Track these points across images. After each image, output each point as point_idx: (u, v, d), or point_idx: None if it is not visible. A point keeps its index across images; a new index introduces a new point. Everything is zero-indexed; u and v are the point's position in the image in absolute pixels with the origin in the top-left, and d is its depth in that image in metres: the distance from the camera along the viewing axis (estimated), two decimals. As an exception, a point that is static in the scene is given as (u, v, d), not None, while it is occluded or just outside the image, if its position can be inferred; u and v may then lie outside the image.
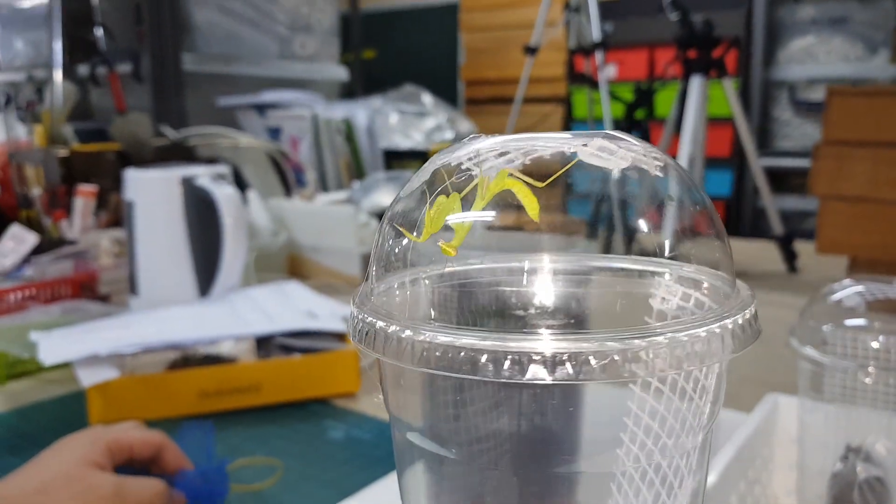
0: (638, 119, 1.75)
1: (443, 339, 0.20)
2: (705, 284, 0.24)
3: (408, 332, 0.21)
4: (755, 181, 1.39)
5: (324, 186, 1.55)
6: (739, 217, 2.72)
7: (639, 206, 0.25)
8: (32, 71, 1.64)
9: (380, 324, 0.22)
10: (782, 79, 2.68)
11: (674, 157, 1.43)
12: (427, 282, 0.26)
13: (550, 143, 0.24)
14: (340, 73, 2.16)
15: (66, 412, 0.72)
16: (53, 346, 0.71)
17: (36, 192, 1.05)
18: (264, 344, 0.76)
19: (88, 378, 0.68)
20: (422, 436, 0.25)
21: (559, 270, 0.27)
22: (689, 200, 0.25)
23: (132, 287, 0.92)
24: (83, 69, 1.59)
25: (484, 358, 0.20)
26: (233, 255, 0.86)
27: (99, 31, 1.56)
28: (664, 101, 1.89)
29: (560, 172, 0.23)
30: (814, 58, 2.60)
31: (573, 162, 0.23)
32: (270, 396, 0.72)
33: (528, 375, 0.19)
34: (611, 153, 0.23)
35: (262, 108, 1.68)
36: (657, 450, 0.22)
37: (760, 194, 1.39)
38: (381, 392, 0.27)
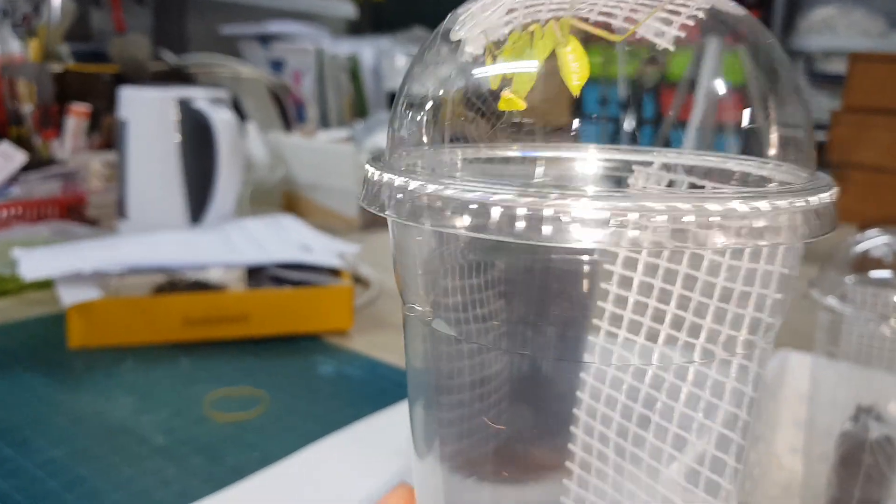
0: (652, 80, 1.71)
1: (471, 194, 0.17)
2: (776, 183, 0.21)
3: (415, 184, 0.18)
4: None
5: (325, 123, 1.51)
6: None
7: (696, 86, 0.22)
8: (31, -12, 1.59)
9: (399, 181, 0.19)
10: (800, 49, 2.63)
11: (685, 121, 1.39)
12: (457, 157, 0.23)
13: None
14: (348, 10, 2.10)
15: (47, 332, 0.69)
16: (35, 263, 0.69)
17: (27, 108, 1.01)
18: (255, 274, 0.73)
19: (69, 297, 0.65)
20: (436, 317, 0.22)
21: (610, 166, 0.24)
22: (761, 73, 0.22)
23: (121, 210, 0.89)
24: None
25: (497, 214, 0.17)
26: (227, 182, 0.83)
27: (101, -48, 1.50)
28: (679, 63, 1.85)
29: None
30: (833, 30, 2.54)
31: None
32: (259, 328, 0.69)
33: (567, 236, 0.16)
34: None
35: (265, 40, 1.63)
36: (703, 350, 0.19)
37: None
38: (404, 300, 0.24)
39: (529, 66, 0.19)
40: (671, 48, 0.21)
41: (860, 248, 0.48)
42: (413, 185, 0.18)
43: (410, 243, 0.22)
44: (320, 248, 0.79)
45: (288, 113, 1.30)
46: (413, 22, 1.96)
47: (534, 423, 0.23)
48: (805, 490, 0.51)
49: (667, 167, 0.25)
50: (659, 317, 0.20)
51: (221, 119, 0.83)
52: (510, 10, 0.21)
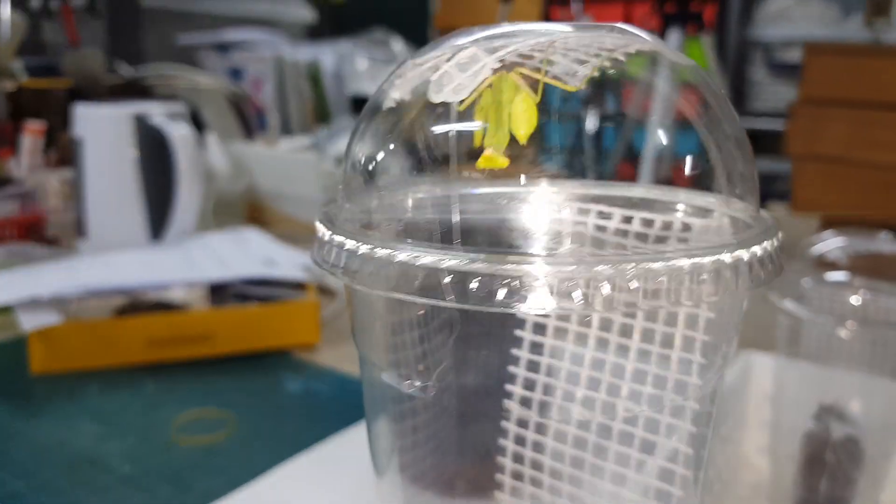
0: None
1: (426, 259, 0.17)
2: (716, 213, 0.21)
3: (382, 252, 0.18)
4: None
5: (287, 131, 1.50)
6: (710, 178, 2.70)
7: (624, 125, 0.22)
8: (-21, 2, 1.55)
9: (349, 243, 0.19)
10: (758, 39, 2.66)
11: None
12: (407, 205, 0.23)
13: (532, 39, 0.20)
14: (307, 14, 2.08)
15: (7, 358, 0.68)
16: (-8, 289, 0.67)
17: (-20, 128, 0.99)
18: (219, 291, 0.73)
19: (29, 322, 0.64)
20: (395, 375, 0.22)
21: (559, 198, 0.24)
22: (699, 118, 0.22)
23: (80, 229, 0.87)
24: (35, 1, 1.51)
25: (475, 284, 0.16)
26: (187, 199, 0.82)
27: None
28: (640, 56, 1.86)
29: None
30: (790, 19, 2.58)
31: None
32: (224, 346, 0.69)
33: (528, 304, 0.16)
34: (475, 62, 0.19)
35: (223, 48, 1.61)
36: (643, 403, 0.19)
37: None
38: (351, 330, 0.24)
39: (505, 124, 0.19)
40: (581, 86, 0.21)
41: (816, 250, 0.49)
42: (363, 248, 0.18)
43: (366, 298, 0.22)
44: (284, 262, 0.78)
45: (249, 122, 1.29)
46: (373, 23, 1.95)
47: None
48: (773, 490, 0.52)
49: (610, 200, 0.25)
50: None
51: (179, 134, 0.82)
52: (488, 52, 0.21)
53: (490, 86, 0.19)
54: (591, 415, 0.21)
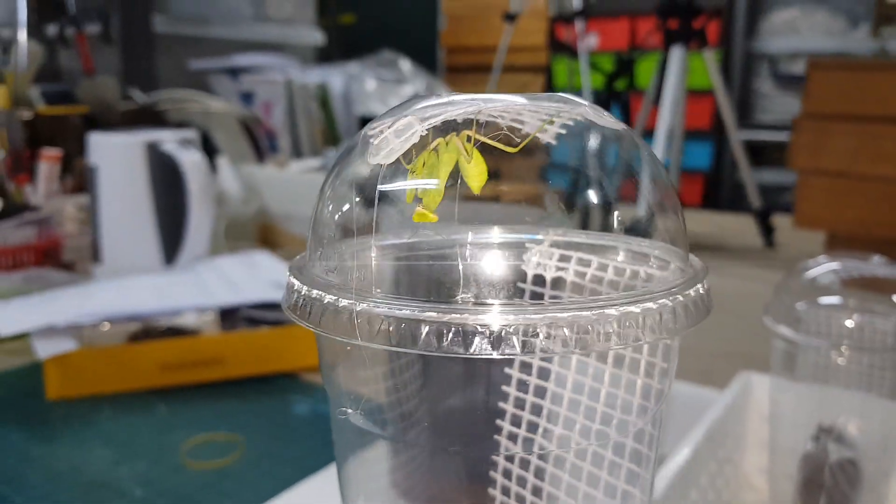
0: (618, 90, 1.73)
1: (383, 310, 0.20)
2: (653, 258, 0.23)
3: (345, 303, 0.20)
4: (734, 154, 1.38)
5: (297, 153, 1.52)
6: (718, 190, 2.71)
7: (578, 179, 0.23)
8: (-3, 30, 1.59)
9: (315, 292, 0.21)
10: (763, 51, 2.67)
11: (652, 129, 1.41)
12: (371, 255, 0.25)
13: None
14: (316, 37, 2.11)
15: (24, 384, 0.70)
16: (10, 316, 0.69)
17: (-2, 155, 1.01)
18: (230, 316, 0.74)
19: (45, 349, 0.66)
20: (363, 417, 0.24)
21: (507, 244, 0.26)
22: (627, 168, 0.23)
23: (95, 254, 0.89)
24: (51, 29, 1.55)
25: (425, 330, 0.19)
26: (199, 224, 0.84)
27: (67, -10, 1.50)
28: (645, 72, 1.87)
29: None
30: (795, 31, 2.58)
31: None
32: (235, 370, 0.70)
33: (473, 349, 0.18)
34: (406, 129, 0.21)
35: (235, 73, 1.64)
36: (597, 432, 0.21)
37: (739, 167, 1.38)
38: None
39: (436, 185, 0.21)
40: (553, 142, 0.23)
41: (810, 274, 0.49)
42: (327, 298, 0.20)
43: (335, 347, 0.24)
44: (294, 285, 0.79)
45: (260, 145, 1.31)
46: (381, 44, 1.98)
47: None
48: (772, 509, 0.52)
49: (557, 244, 0.27)
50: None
51: (190, 161, 0.84)
52: (421, 121, 0.22)
53: (434, 149, 0.22)
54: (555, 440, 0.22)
